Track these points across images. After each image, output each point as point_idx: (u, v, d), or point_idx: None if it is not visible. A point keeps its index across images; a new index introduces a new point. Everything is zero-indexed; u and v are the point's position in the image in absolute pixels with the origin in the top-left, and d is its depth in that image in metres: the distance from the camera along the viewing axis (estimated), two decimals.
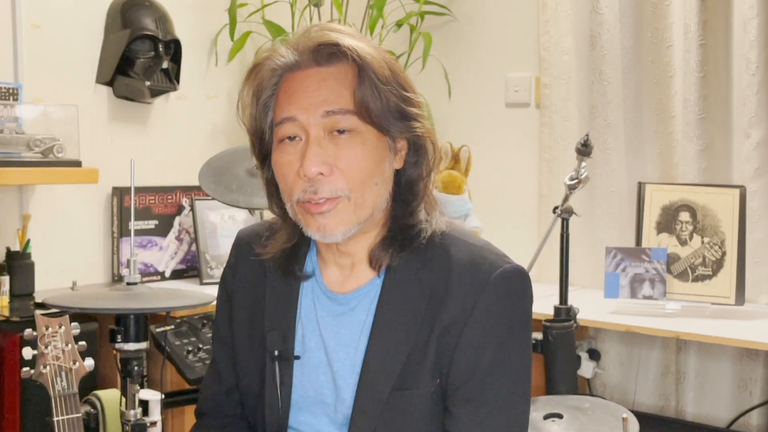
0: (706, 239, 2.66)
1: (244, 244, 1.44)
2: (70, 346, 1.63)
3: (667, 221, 2.70)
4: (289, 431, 1.35)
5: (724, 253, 2.63)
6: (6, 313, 2.45)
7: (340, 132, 1.24)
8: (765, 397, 2.79)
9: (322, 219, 1.25)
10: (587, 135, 2.35)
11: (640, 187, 2.75)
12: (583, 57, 3.09)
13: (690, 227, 2.67)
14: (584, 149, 2.32)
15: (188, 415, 2.50)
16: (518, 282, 1.30)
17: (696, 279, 2.65)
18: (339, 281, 1.34)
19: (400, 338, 1.27)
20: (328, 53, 1.25)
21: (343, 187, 1.24)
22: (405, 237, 1.30)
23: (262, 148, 1.31)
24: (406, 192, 1.31)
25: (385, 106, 1.24)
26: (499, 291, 1.27)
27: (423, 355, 1.27)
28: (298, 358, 1.33)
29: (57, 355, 1.61)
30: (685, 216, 2.68)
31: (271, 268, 1.36)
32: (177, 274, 3.04)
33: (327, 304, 1.34)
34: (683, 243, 2.67)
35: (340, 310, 1.33)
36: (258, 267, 1.39)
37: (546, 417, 1.98)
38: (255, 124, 1.30)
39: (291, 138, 1.26)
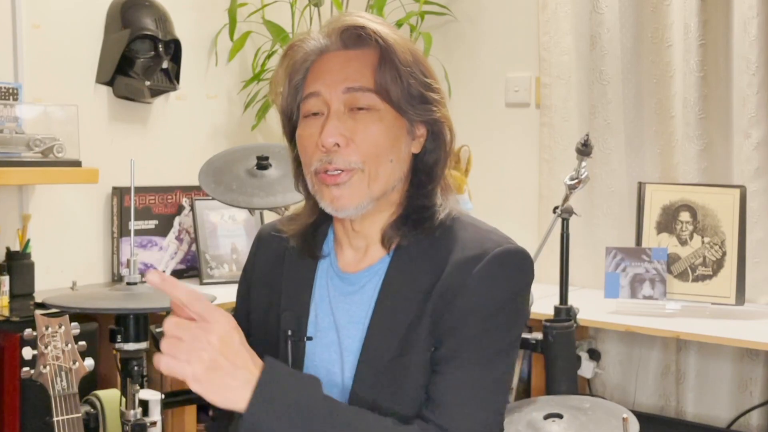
0: (706, 239, 2.66)
1: (264, 235, 1.49)
2: (70, 346, 1.63)
3: (668, 221, 2.70)
4: None
5: (724, 253, 2.63)
6: (6, 313, 2.45)
7: (360, 108, 1.30)
8: (765, 397, 2.79)
9: (337, 190, 1.30)
10: (587, 135, 2.35)
11: (640, 187, 2.75)
12: (583, 57, 3.09)
13: (690, 227, 2.68)
14: (584, 149, 2.32)
15: (188, 415, 2.51)
16: (517, 259, 1.32)
17: (696, 279, 2.65)
18: (353, 263, 1.38)
19: (402, 310, 1.31)
20: (355, 36, 1.32)
21: (357, 160, 1.29)
22: (419, 217, 1.34)
23: (291, 127, 1.37)
24: (423, 175, 1.35)
25: (405, 89, 1.30)
26: (495, 264, 1.30)
27: (419, 323, 1.29)
28: (310, 338, 1.36)
29: (57, 355, 1.61)
30: (685, 216, 2.68)
31: (290, 250, 1.41)
32: (177, 274, 3.04)
33: (339, 284, 1.38)
34: (683, 243, 2.68)
35: (350, 289, 1.36)
36: (277, 253, 1.44)
37: (546, 417, 1.98)
38: (286, 104, 1.37)
39: (315, 114, 1.32)
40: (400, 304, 1.31)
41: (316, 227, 1.41)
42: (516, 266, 1.32)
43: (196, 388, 1.13)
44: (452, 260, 1.30)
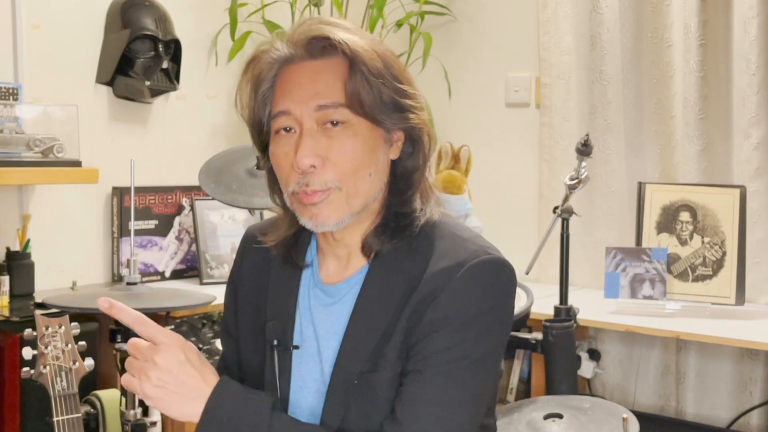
0: (706, 239, 2.66)
1: (250, 238, 1.46)
2: (70, 346, 1.63)
3: (667, 221, 2.70)
4: None
5: (724, 253, 2.63)
6: (6, 313, 2.45)
7: (333, 124, 1.26)
8: (765, 397, 2.79)
9: (315, 209, 1.27)
10: (587, 135, 2.35)
11: (640, 187, 2.75)
12: (583, 57, 3.09)
13: (690, 227, 2.68)
14: (584, 149, 2.32)
15: None
16: (495, 272, 1.28)
17: (696, 279, 2.65)
18: (335, 273, 1.36)
19: (376, 323, 1.28)
20: (320, 46, 1.27)
21: (333, 179, 1.25)
22: (398, 225, 1.31)
23: (262, 138, 1.34)
24: (402, 182, 1.32)
25: (377, 99, 1.26)
26: (470, 277, 1.26)
27: (391, 337, 1.27)
28: (297, 347, 1.34)
29: (57, 355, 1.61)
30: (685, 216, 2.68)
31: (274, 258, 1.39)
32: (177, 274, 3.04)
33: (319, 295, 1.35)
34: (683, 243, 2.68)
35: (330, 300, 1.34)
36: (263, 259, 1.41)
37: (546, 417, 1.98)
38: (254, 116, 1.32)
39: (287, 130, 1.28)
40: (375, 317, 1.28)
41: (298, 236, 1.38)
42: (493, 278, 1.27)
43: (149, 403, 1.25)
44: (428, 272, 1.27)
